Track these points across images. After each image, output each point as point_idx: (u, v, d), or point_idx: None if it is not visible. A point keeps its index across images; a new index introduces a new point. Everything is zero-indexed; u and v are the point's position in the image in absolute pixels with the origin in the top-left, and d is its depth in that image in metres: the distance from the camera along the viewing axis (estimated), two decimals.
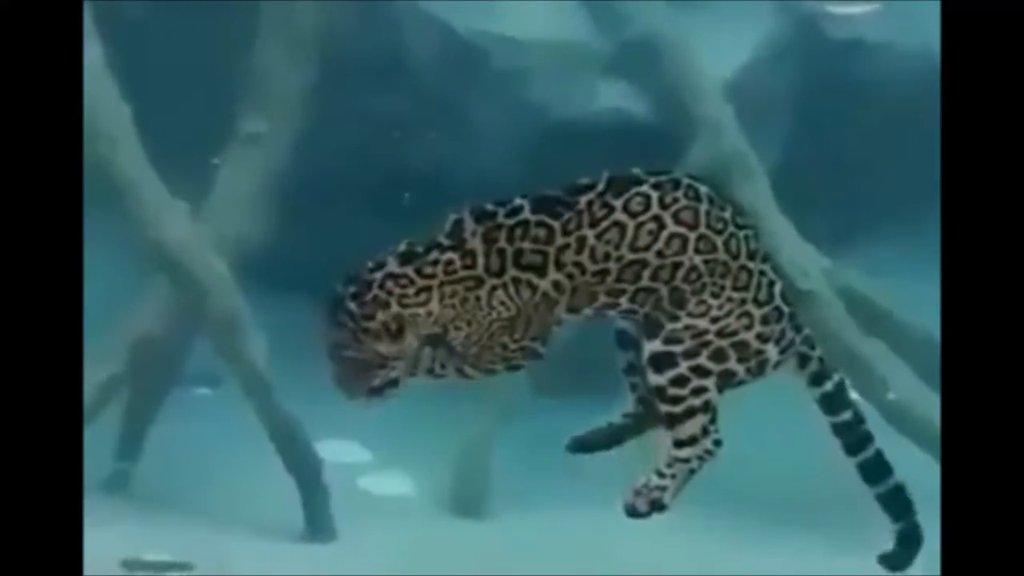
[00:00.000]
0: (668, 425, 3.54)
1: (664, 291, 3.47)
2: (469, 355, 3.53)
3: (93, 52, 7.71)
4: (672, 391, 3.49)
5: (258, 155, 8.29)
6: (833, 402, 3.58)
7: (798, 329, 3.54)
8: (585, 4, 8.93)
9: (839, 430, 3.57)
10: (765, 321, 3.49)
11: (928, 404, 7.57)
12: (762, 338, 3.50)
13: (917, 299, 8.25)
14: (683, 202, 3.46)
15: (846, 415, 3.56)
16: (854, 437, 3.55)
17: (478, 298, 3.46)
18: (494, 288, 3.46)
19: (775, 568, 7.70)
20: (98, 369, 7.77)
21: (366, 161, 8.53)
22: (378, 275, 3.44)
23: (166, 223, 8.02)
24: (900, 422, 7.49)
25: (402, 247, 3.47)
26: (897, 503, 3.57)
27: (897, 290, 8.49)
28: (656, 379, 3.50)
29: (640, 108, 8.81)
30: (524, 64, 8.84)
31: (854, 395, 3.61)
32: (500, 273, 3.46)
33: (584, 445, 3.75)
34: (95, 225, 7.62)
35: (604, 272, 3.47)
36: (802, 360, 3.57)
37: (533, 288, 3.48)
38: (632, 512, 3.63)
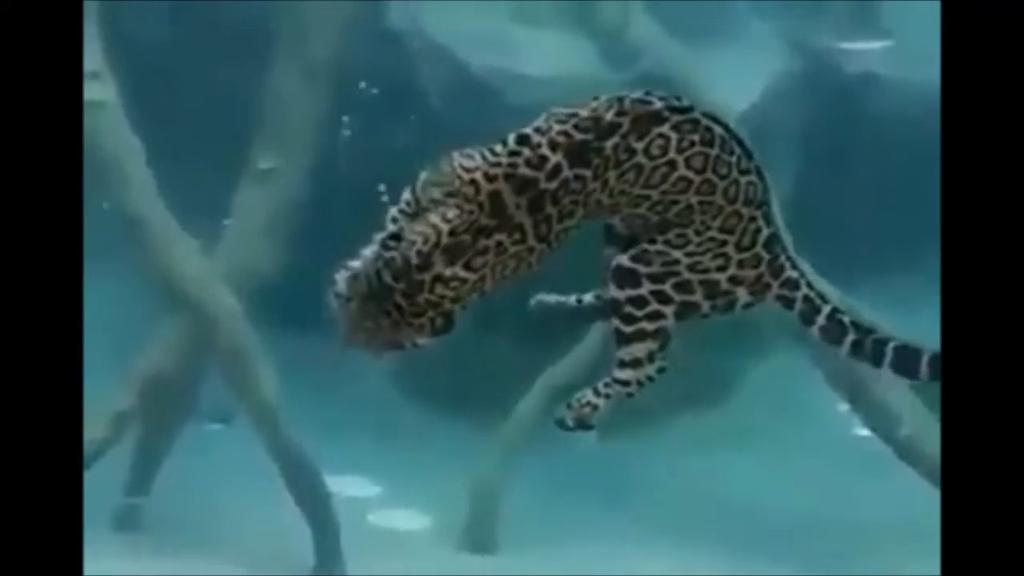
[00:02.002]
0: (616, 342, 3.55)
1: (654, 219, 3.53)
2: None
3: (107, 88, 7.75)
4: (627, 309, 3.52)
5: (271, 189, 8.31)
6: (830, 333, 3.59)
7: (777, 274, 3.57)
8: (597, 41, 8.95)
9: (853, 353, 3.58)
10: (741, 265, 3.54)
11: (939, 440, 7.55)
12: (734, 280, 3.55)
13: (930, 334, 8.25)
14: (697, 147, 3.52)
15: (849, 338, 3.57)
16: (868, 353, 3.56)
17: (529, 264, 3.49)
18: (542, 251, 3.50)
19: None
20: (110, 404, 7.79)
21: (379, 195, 8.53)
22: (427, 277, 3.46)
23: (177, 258, 8.03)
24: (912, 458, 7.48)
25: (445, 239, 3.48)
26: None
27: (911, 325, 8.47)
28: (616, 293, 3.53)
29: None
30: (537, 100, 8.78)
31: (846, 318, 3.55)
32: (547, 236, 3.52)
33: (547, 310, 3.77)
34: (108, 260, 7.72)
35: (615, 205, 3.51)
36: (787, 303, 3.61)
37: (568, 231, 3.51)
38: (560, 424, 3.63)
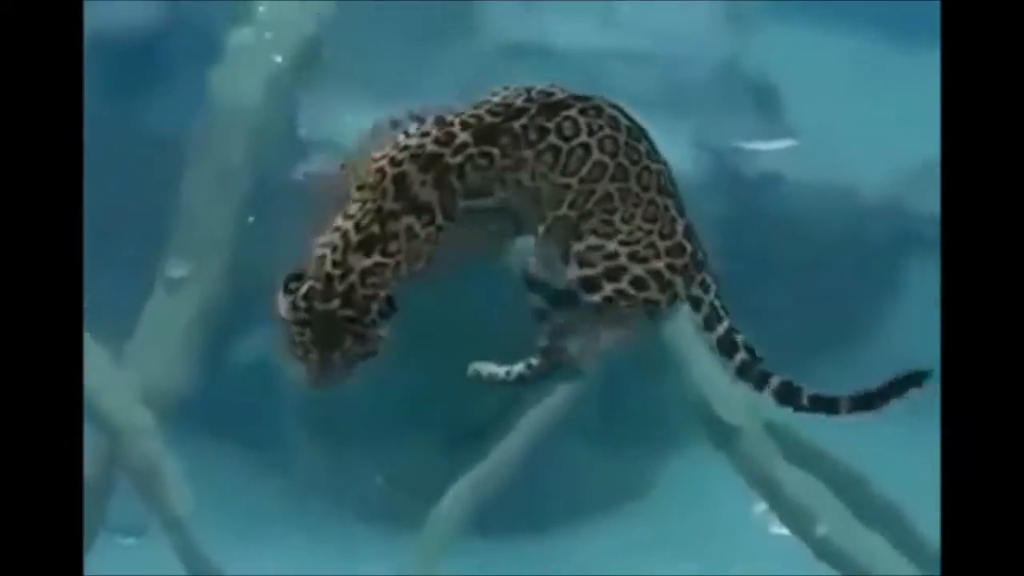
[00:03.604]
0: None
1: (574, 218, 3.62)
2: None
3: None
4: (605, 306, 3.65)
5: (183, 297, 8.25)
6: (725, 346, 3.84)
7: (699, 268, 3.65)
8: None
9: (739, 372, 3.85)
10: (670, 253, 3.68)
11: (859, 541, 7.61)
12: (672, 269, 3.71)
13: (847, 434, 8.30)
14: (607, 130, 3.62)
15: (740, 356, 3.83)
16: (754, 376, 3.83)
17: (438, 243, 3.61)
18: (449, 229, 3.61)
19: None
20: None
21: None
22: (353, 277, 3.47)
23: (87, 369, 7.92)
24: (831, 558, 7.51)
25: (353, 236, 3.52)
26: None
27: (824, 422, 8.52)
28: (590, 298, 3.66)
29: None
30: None
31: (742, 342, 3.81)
32: (452, 212, 3.57)
33: (480, 381, 3.84)
34: None
35: (538, 191, 3.59)
36: (696, 304, 3.69)
37: (482, 211, 3.64)
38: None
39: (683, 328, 8.24)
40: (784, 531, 7.95)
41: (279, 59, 8.65)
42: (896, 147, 9.30)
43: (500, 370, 3.83)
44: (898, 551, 7.67)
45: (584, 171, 3.54)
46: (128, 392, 7.99)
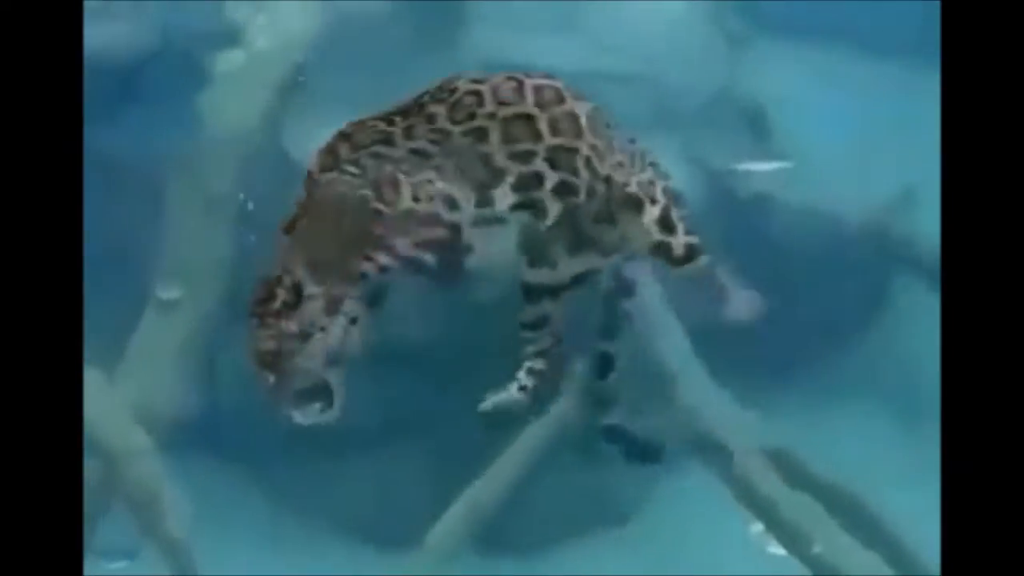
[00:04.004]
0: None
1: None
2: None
3: None
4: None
5: (176, 319, 8.23)
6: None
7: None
8: None
9: None
10: None
11: (854, 558, 7.61)
12: None
13: (837, 450, 8.30)
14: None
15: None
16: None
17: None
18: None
19: None
20: None
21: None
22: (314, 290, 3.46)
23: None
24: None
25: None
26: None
27: (817, 442, 8.53)
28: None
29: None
30: None
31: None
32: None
33: (500, 411, 3.81)
34: None
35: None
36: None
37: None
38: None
39: (677, 348, 8.33)
40: (781, 551, 7.95)
41: (266, 83, 8.67)
42: (884, 170, 9.34)
43: (510, 392, 3.77)
44: (893, 569, 7.68)
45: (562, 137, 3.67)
46: (121, 413, 7.96)
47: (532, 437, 7.87)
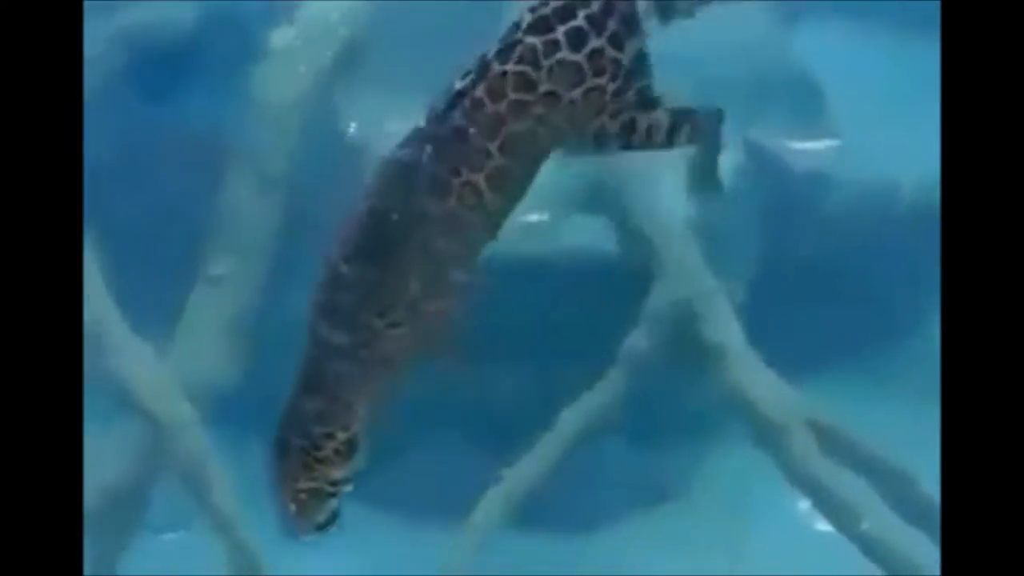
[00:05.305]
0: None
1: None
2: None
3: None
4: None
5: (225, 294, 8.28)
6: None
7: None
8: None
9: None
10: None
11: (901, 536, 7.57)
12: None
13: (886, 428, 8.26)
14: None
15: None
16: None
17: None
18: None
19: None
20: None
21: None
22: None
23: (130, 364, 7.97)
24: (875, 554, 7.48)
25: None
26: None
27: (866, 420, 8.50)
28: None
29: (604, 245, 8.82)
30: None
31: None
32: None
33: None
34: None
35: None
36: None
37: None
38: None
39: (723, 325, 8.32)
40: (828, 528, 7.93)
41: (320, 59, 8.68)
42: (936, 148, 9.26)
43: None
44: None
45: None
46: (171, 387, 8.02)
47: (576, 414, 7.88)
